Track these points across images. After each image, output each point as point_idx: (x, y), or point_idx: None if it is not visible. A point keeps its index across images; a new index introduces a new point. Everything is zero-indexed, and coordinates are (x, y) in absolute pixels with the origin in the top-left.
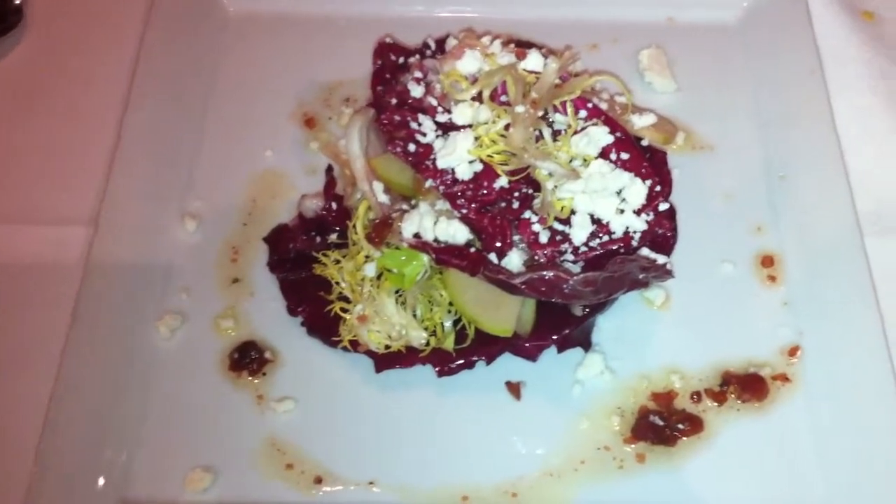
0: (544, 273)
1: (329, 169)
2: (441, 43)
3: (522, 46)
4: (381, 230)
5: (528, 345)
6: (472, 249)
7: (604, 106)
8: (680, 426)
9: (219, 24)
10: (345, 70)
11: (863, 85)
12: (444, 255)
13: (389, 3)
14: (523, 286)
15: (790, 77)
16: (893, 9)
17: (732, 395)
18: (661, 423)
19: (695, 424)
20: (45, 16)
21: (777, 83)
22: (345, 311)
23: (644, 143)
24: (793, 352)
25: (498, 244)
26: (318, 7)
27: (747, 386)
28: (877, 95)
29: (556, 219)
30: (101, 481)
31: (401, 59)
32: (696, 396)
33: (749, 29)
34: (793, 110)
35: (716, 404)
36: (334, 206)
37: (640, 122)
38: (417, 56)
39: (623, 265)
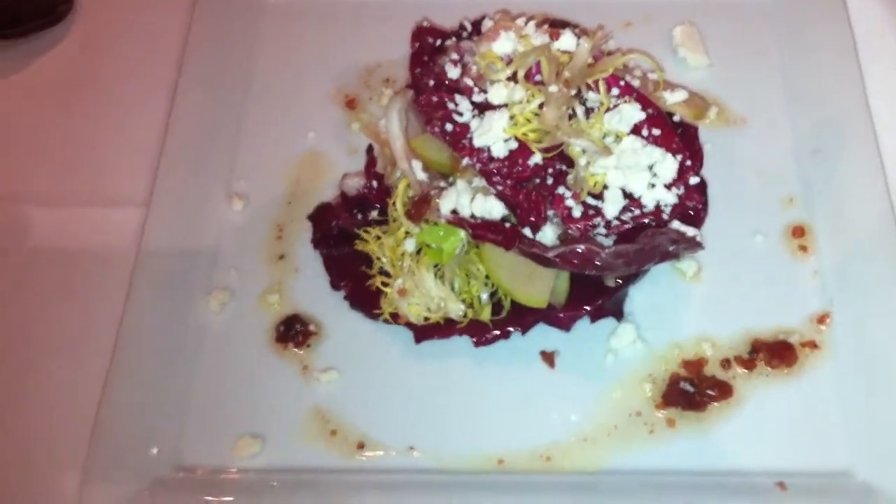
0: (577, 246)
1: (370, 149)
2: (477, 24)
3: (556, 26)
4: (420, 207)
5: (561, 315)
6: (508, 225)
7: (636, 83)
8: (709, 392)
9: (259, 11)
10: (383, 51)
11: (894, 61)
12: (481, 230)
13: None
14: (557, 259)
15: (822, 53)
16: None
17: (762, 362)
18: (691, 389)
19: (724, 390)
20: (94, 6)
21: (809, 59)
22: (385, 284)
23: (676, 118)
24: (822, 319)
25: (532, 219)
26: None
27: (776, 352)
28: None
29: (589, 194)
30: (155, 449)
31: (438, 42)
32: (726, 364)
33: (783, 5)
34: (825, 86)
35: (745, 371)
36: (375, 184)
37: (671, 99)
38: (454, 38)
39: (653, 238)
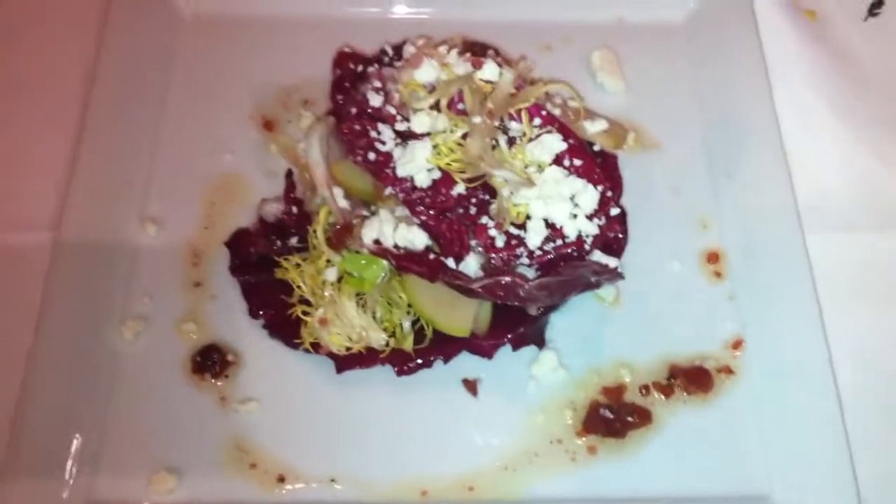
0: (501, 278)
1: (289, 173)
2: (398, 49)
3: (477, 50)
4: (342, 236)
5: (484, 343)
6: (431, 256)
7: (556, 111)
8: (629, 418)
9: (175, 27)
10: (302, 72)
11: (806, 83)
12: (405, 261)
13: (344, 4)
14: (481, 290)
15: (735, 76)
16: (836, 7)
17: (679, 388)
18: (611, 415)
19: (643, 417)
20: (2, 21)
21: (722, 82)
22: (306, 313)
23: (596, 147)
24: (737, 345)
25: (456, 249)
26: (274, 9)
27: (693, 378)
28: (820, 95)
29: (512, 224)
30: (67, 486)
31: (359, 68)
32: (645, 390)
33: (696, 29)
34: (737, 110)
35: (663, 397)
36: (294, 210)
37: (592, 128)
38: (376, 65)
39: (576, 269)
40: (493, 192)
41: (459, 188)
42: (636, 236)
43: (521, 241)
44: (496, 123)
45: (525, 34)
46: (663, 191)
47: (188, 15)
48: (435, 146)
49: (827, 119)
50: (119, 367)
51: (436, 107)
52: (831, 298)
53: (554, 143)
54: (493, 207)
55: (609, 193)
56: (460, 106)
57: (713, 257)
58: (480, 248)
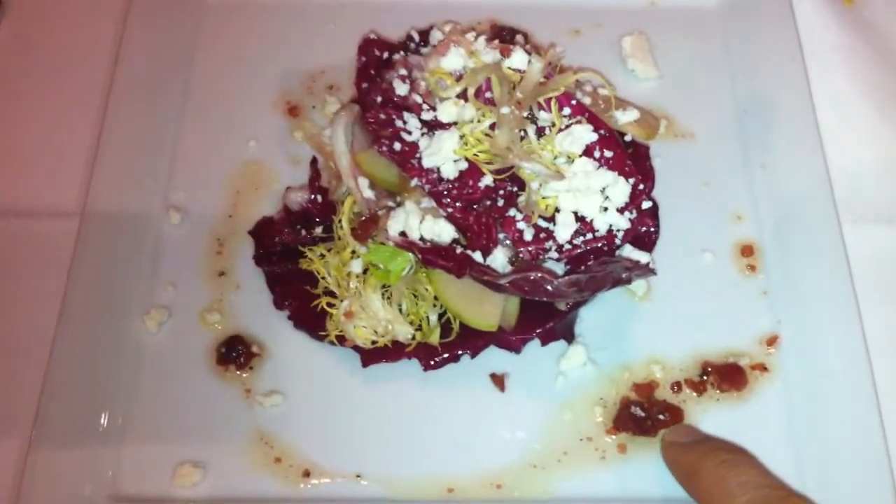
0: (530, 273)
1: (314, 161)
2: (425, 35)
3: (506, 36)
4: (367, 228)
5: (512, 338)
6: (458, 250)
7: (587, 100)
8: (660, 416)
9: (198, 12)
10: (327, 57)
11: (842, 71)
12: (430, 255)
13: None
14: (508, 285)
15: (770, 63)
16: None
17: (712, 385)
18: (642, 413)
19: (675, 414)
20: (23, 7)
21: (757, 69)
22: (331, 305)
23: (627, 138)
24: (771, 341)
25: (483, 242)
26: None
27: (726, 376)
28: (856, 82)
29: (541, 217)
30: (90, 477)
31: (385, 55)
32: (677, 387)
33: (730, 13)
34: (772, 97)
35: (695, 394)
36: (319, 198)
37: (623, 118)
38: (402, 52)
39: (606, 265)
40: (521, 184)
41: (487, 180)
42: (667, 227)
43: (550, 235)
44: (525, 113)
45: (554, 18)
46: (695, 181)
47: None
48: (462, 136)
49: (863, 107)
50: (142, 358)
51: (463, 96)
52: (867, 292)
53: (584, 133)
54: (522, 200)
55: (641, 186)
56: (488, 95)
57: (747, 250)
58: (508, 242)
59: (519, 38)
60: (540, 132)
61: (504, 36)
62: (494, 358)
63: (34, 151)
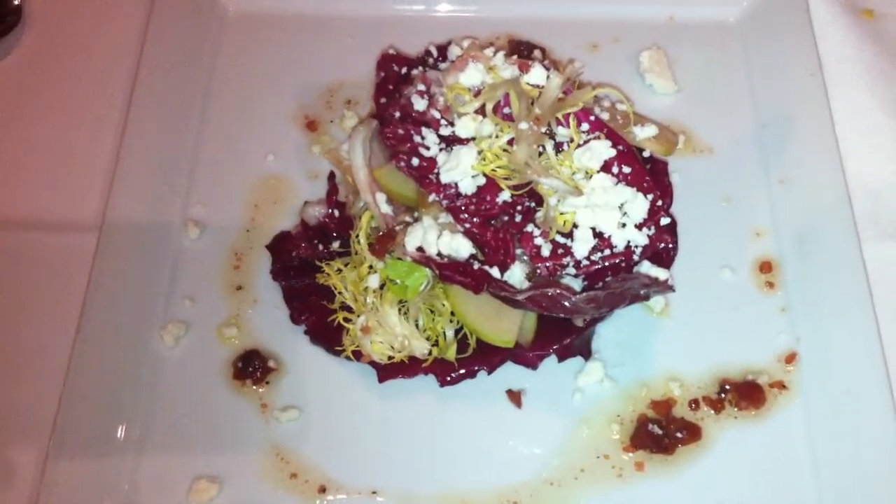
0: (547, 290)
1: (331, 175)
2: (443, 50)
3: (524, 51)
4: (385, 243)
5: (529, 354)
6: (476, 266)
7: (605, 116)
8: (678, 434)
9: (218, 25)
10: (345, 71)
11: (862, 85)
12: (449, 271)
13: (389, 2)
14: (526, 301)
15: (789, 78)
16: (892, 6)
17: (730, 403)
18: (659, 431)
19: (693, 432)
20: (44, 16)
21: (776, 84)
22: (347, 320)
23: (645, 153)
24: (790, 359)
25: (501, 257)
26: (317, 7)
27: (745, 393)
28: (875, 96)
29: (559, 232)
30: (107, 490)
31: (403, 70)
32: (695, 404)
33: (749, 28)
34: (792, 112)
35: (713, 412)
36: (337, 213)
37: (641, 134)
38: (420, 67)
39: (624, 281)
40: (539, 200)
41: (505, 195)
42: (686, 243)
43: (568, 251)
44: (543, 129)
45: (572, 32)
46: (714, 196)
47: (232, 12)
48: (480, 152)
49: (883, 122)
50: (160, 372)
51: (481, 111)
52: (887, 309)
53: (602, 149)
54: (540, 215)
55: (659, 202)
56: (506, 110)
57: (766, 267)
58: (526, 257)
59: (537, 53)
60: (558, 148)
61: (522, 51)
62: (511, 374)
63: (54, 164)
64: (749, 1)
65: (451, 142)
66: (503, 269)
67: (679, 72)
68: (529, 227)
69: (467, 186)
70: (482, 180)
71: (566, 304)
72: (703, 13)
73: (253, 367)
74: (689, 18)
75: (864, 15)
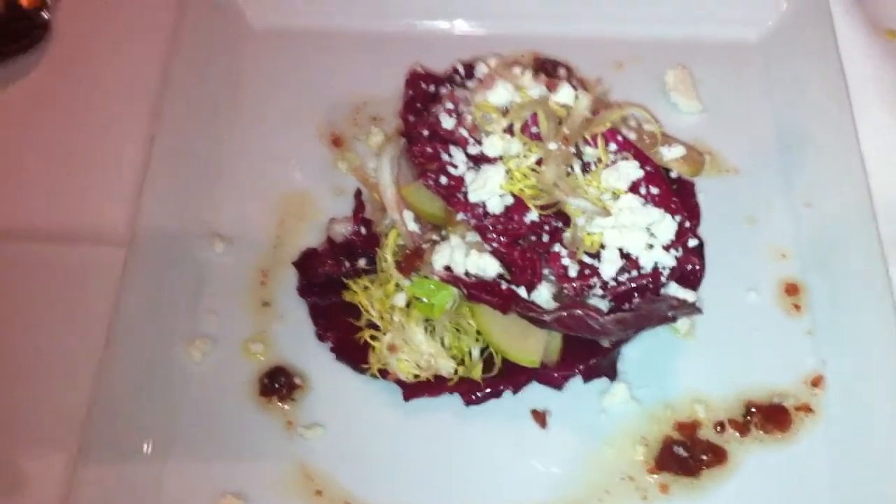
0: (574, 311)
1: (358, 193)
2: (470, 68)
3: (548, 68)
4: (412, 261)
5: (554, 374)
6: (504, 285)
7: (632, 135)
8: (703, 457)
9: (244, 40)
10: (371, 87)
11: (886, 106)
12: (476, 290)
13: (414, 19)
14: (553, 322)
15: (814, 98)
16: None
17: (755, 426)
18: (684, 453)
19: (718, 455)
20: (72, 31)
21: (801, 105)
22: (374, 338)
23: (672, 174)
24: (816, 382)
25: (528, 277)
26: (342, 22)
27: (770, 416)
28: None
29: (586, 253)
30: None
31: (432, 88)
32: (720, 427)
33: (774, 48)
34: (817, 132)
35: (739, 434)
36: (363, 230)
37: (668, 154)
38: (448, 85)
39: (652, 304)
40: (566, 220)
41: (532, 215)
42: (711, 264)
43: (595, 272)
44: (571, 149)
45: (596, 50)
46: (739, 217)
47: (258, 28)
48: (508, 171)
49: None
50: (186, 387)
51: (509, 130)
52: None
53: (630, 170)
54: (567, 236)
55: (687, 224)
56: (534, 130)
57: (792, 289)
58: (553, 278)
59: (562, 70)
60: (586, 168)
61: (546, 69)
62: (536, 394)
63: (81, 178)
64: (773, 20)
65: (479, 160)
66: (530, 289)
67: (704, 90)
68: (557, 248)
69: (495, 205)
70: (510, 199)
71: (593, 325)
72: (727, 33)
73: (279, 383)
74: (713, 37)
75: (887, 35)
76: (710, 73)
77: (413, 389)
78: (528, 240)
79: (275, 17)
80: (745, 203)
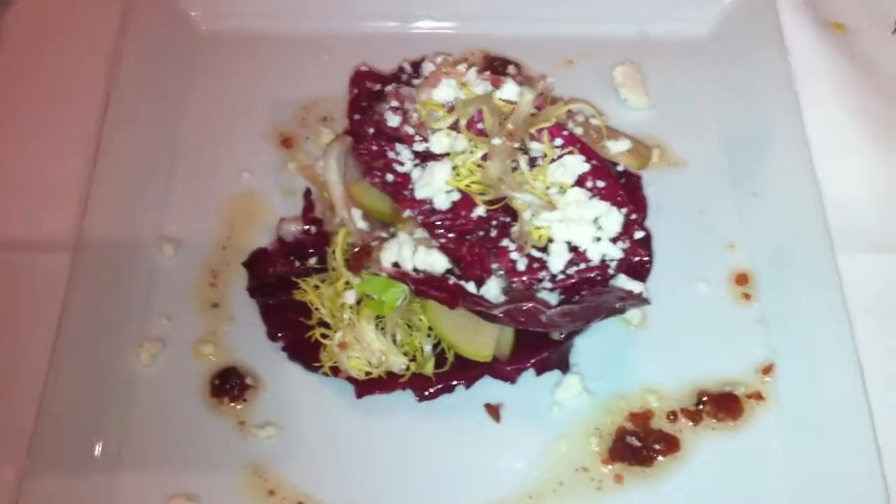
0: (523, 304)
1: (307, 192)
2: (416, 66)
3: (498, 66)
4: (361, 259)
5: (507, 368)
6: (451, 280)
7: (578, 130)
8: (656, 446)
9: (191, 44)
10: (320, 88)
11: (833, 98)
12: (424, 286)
13: (362, 19)
14: (502, 315)
15: (762, 92)
16: (862, 20)
17: (708, 414)
18: (637, 443)
19: (671, 444)
20: (18, 34)
21: (749, 98)
22: (325, 336)
23: (619, 167)
24: (767, 370)
25: (477, 272)
26: (291, 25)
27: (722, 405)
28: (848, 109)
29: (534, 247)
30: None
31: (377, 86)
32: (673, 416)
33: (720, 43)
34: (765, 126)
35: (691, 423)
36: (313, 230)
37: (615, 148)
38: (394, 83)
39: (600, 295)
40: (514, 214)
41: (480, 210)
42: (661, 256)
43: (544, 265)
44: (516, 144)
45: (546, 48)
46: (688, 210)
47: (204, 31)
48: (454, 167)
49: (856, 135)
50: (137, 390)
51: (455, 127)
52: (862, 321)
53: (576, 164)
54: (515, 230)
55: (633, 216)
56: (480, 126)
57: (741, 279)
58: (502, 272)
59: (511, 68)
60: (532, 163)
61: (496, 67)
62: (489, 388)
63: (28, 183)
64: (720, 16)
65: (425, 158)
66: (479, 284)
67: (653, 87)
68: (505, 242)
69: (442, 202)
70: (457, 196)
71: (542, 317)
72: (674, 29)
73: (230, 384)
74: (662, 34)
75: (833, 28)
76: (659, 69)
77: (365, 387)
78: (475, 235)
79: (222, 20)
80: (694, 195)
